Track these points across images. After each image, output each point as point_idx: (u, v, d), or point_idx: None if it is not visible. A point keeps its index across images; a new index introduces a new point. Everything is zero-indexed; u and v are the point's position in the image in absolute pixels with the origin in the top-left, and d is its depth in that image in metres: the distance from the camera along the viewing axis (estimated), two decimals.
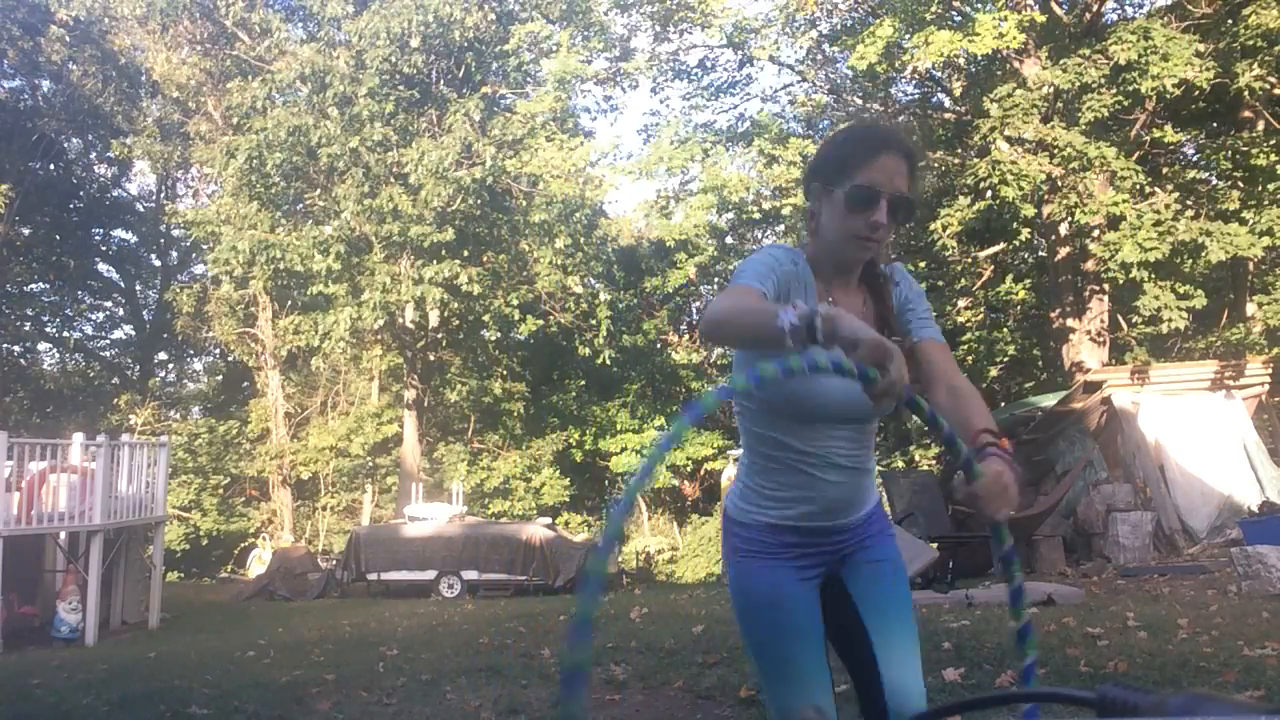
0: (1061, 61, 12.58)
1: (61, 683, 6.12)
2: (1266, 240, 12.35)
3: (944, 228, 14.19)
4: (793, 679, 2.00)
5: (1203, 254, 12.35)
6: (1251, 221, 12.56)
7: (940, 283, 16.48)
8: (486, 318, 18.67)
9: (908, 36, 12.77)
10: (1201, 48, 12.17)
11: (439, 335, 19.83)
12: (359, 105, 16.16)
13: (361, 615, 10.41)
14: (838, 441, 1.94)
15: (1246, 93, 12.60)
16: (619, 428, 22.50)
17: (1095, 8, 14.40)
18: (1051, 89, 12.68)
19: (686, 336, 25.52)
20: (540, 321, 19.33)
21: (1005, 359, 17.81)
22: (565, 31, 17.80)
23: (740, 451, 2.16)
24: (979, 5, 13.60)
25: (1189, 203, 13.43)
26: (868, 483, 2.07)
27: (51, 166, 23.61)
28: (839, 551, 2.05)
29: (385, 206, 15.81)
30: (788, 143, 15.79)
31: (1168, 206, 12.39)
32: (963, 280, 17.09)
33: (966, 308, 17.78)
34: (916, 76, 16.00)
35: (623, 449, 22.13)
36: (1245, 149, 13.22)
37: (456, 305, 17.75)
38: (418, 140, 16.47)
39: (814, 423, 1.92)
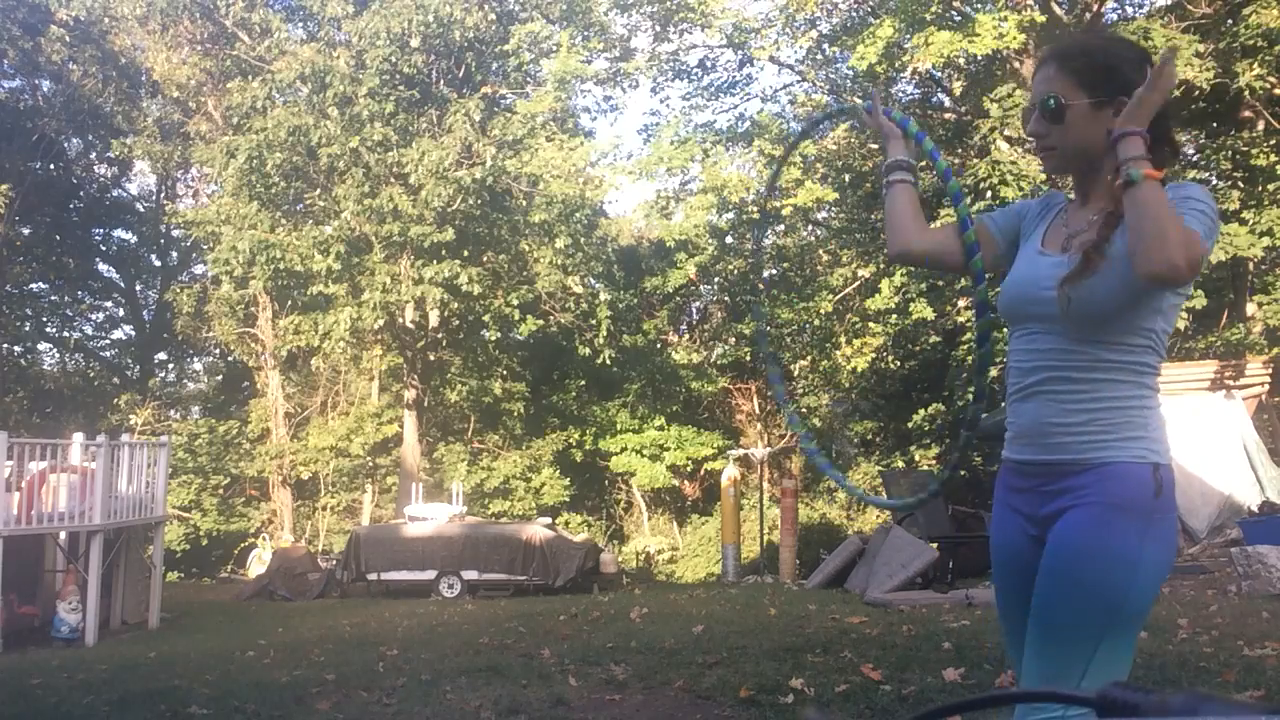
0: None
1: (61, 683, 6.11)
2: (1266, 240, 12.35)
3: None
4: (1005, 634, 1.99)
5: None
6: (1251, 221, 12.56)
7: (940, 283, 16.47)
8: (486, 318, 18.67)
9: (908, 37, 12.77)
10: (1201, 48, 12.17)
11: (439, 335, 19.83)
12: (359, 105, 16.16)
13: (361, 615, 10.40)
14: (1027, 346, 1.89)
15: (1246, 93, 12.61)
16: (619, 428, 22.51)
17: (1095, 8, 14.40)
18: None
19: (686, 336, 25.54)
20: (540, 321, 19.33)
21: (1005, 359, 17.79)
22: (565, 31, 17.79)
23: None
24: (979, 5, 13.60)
25: None
26: (1089, 413, 1.78)
27: (51, 166, 23.59)
28: (1040, 506, 1.84)
29: (385, 206, 15.81)
30: (788, 143, 15.78)
31: None
32: (963, 280, 17.08)
33: (966, 308, 17.77)
34: (916, 76, 16.00)
35: (623, 449, 22.14)
36: (1245, 149, 13.22)
37: (456, 305, 17.75)
38: (418, 140, 16.47)
39: (1015, 322, 1.93)
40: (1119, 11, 15.96)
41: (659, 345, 23.59)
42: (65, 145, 23.99)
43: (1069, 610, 1.74)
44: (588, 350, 19.25)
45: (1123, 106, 1.77)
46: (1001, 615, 2.00)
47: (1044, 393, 1.83)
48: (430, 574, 14.19)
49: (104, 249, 26.21)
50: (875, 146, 17.07)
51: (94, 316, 27.73)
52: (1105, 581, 1.70)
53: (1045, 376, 1.84)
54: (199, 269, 25.50)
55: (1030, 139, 1.93)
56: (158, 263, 27.42)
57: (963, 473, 20.72)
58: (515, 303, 18.22)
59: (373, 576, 14.31)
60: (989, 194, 13.41)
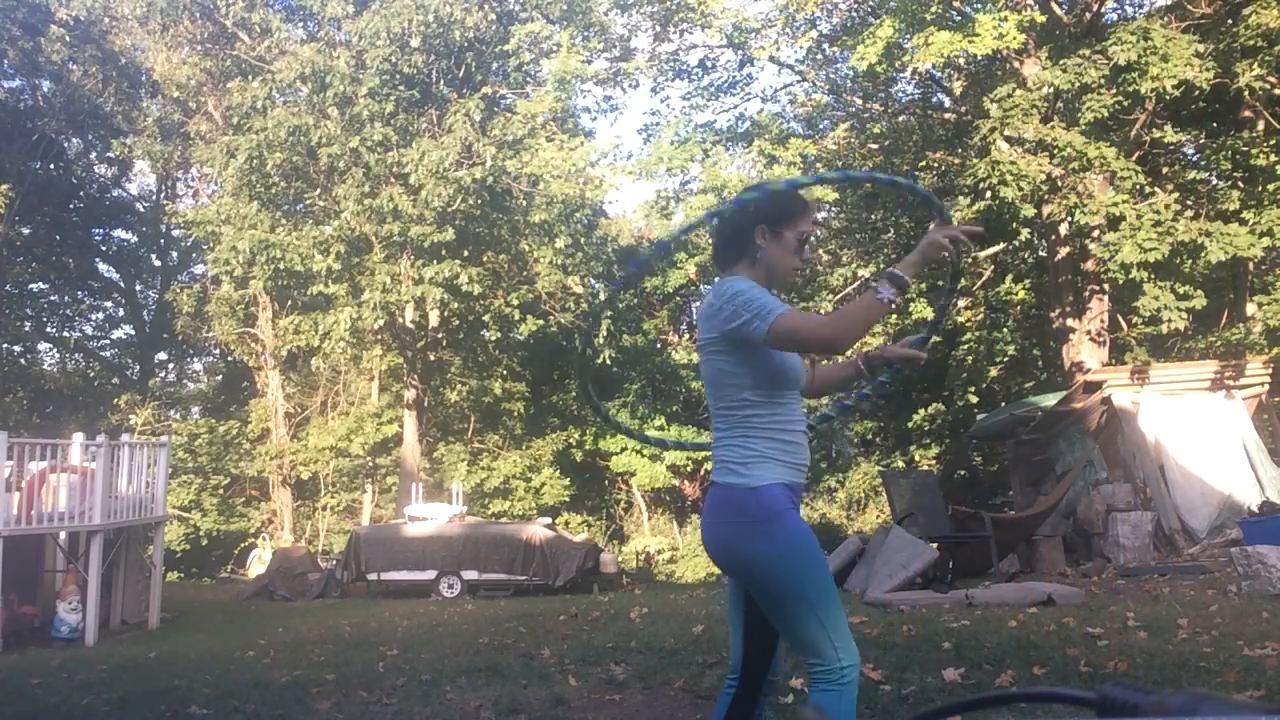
0: (1061, 62, 12.57)
1: (61, 683, 6.12)
2: (1266, 240, 12.34)
3: None
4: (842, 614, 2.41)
5: (1202, 254, 12.35)
6: (1251, 221, 12.55)
7: (940, 283, 16.47)
8: (486, 318, 18.67)
9: (908, 37, 12.76)
10: (1201, 48, 12.16)
11: (439, 335, 19.83)
12: (359, 105, 16.16)
13: (361, 615, 10.40)
14: (798, 409, 2.51)
15: (1246, 93, 12.60)
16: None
17: (1095, 8, 14.39)
18: (1051, 89, 12.68)
19: (686, 336, 25.53)
20: (540, 321, 19.33)
21: (1005, 359, 17.82)
22: (565, 31, 17.79)
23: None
24: (979, 5, 13.59)
25: (1189, 203, 13.43)
26: None
27: (51, 166, 23.61)
28: None
29: (385, 206, 15.81)
30: (788, 143, 15.78)
31: (1167, 207, 12.39)
32: (963, 280, 17.10)
33: (966, 308, 17.79)
34: (916, 76, 15.99)
35: (623, 449, 22.14)
36: (1245, 149, 13.21)
37: (456, 305, 17.75)
38: (418, 140, 16.47)
39: (790, 389, 2.46)
40: (1119, 11, 15.96)
41: (659, 345, 23.60)
42: (65, 145, 24.01)
43: None
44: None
45: None
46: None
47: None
48: (430, 574, 14.19)
49: (104, 249, 26.22)
50: (875, 146, 17.07)
51: (94, 316, 27.79)
52: None
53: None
54: (199, 269, 25.53)
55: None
56: (158, 263, 27.44)
57: (962, 473, 20.77)
58: (515, 303, 18.22)
59: (373, 576, 14.31)
60: (989, 194, 13.41)
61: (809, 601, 2.32)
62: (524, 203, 17.65)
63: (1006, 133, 12.74)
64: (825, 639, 2.31)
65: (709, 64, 18.69)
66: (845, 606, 6.82)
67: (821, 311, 17.45)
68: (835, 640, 2.31)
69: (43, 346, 26.86)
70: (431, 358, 19.85)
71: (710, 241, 2.65)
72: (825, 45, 16.96)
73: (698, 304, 26.03)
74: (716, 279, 2.51)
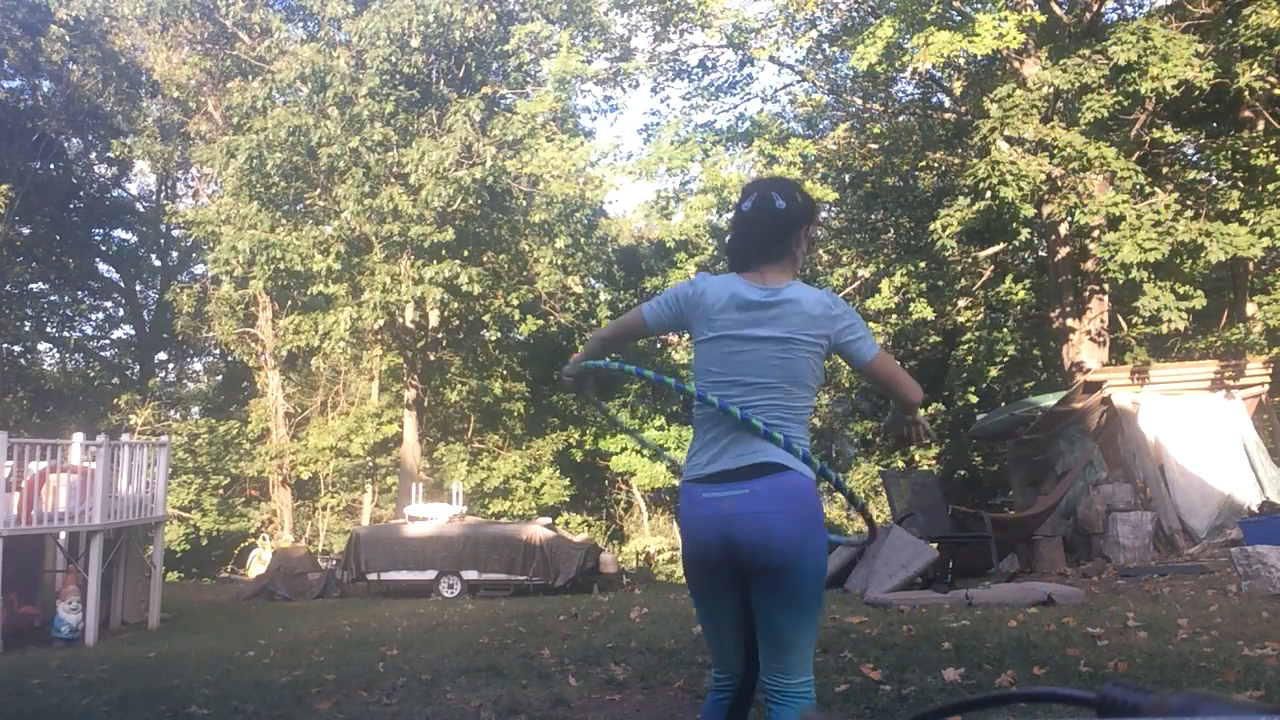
0: (1061, 62, 12.57)
1: (61, 683, 6.12)
2: (1266, 240, 12.34)
3: (944, 228, 14.18)
4: None
5: (1202, 254, 12.35)
6: (1251, 221, 12.55)
7: (940, 283, 16.47)
8: (486, 318, 18.67)
9: (908, 37, 12.76)
10: (1201, 48, 12.15)
11: (439, 335, 19.84)
12: (359, 105, 16.16)
13: (361, 615, 10.40)
14: None
15: (1246, 93, 12.59)
16: (619, 427, 22.48)
17: (1095, 8, 14.39)
18: (1051, 89, 12.68)
19: (687, 336, 25.53)
20: (540, 321, 19.33)
21: (1005, 359, 17.82)
22: (565, 31, 17.80)
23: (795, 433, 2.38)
24: (979, 5, 13.59)
25: (1189, 203, 13.42)
26: None
27: (51, 166, 23.60)
28: None
29: (385, 206, 15.82)
30: (788, 143, 15.78)
31: (1167, 207, 12.38)
32: (963, 280, 17.11)
33: (966, 308, 17.79)
34: (916, 76, 15.99)
35: (623, 449, 22.14)
36: (1245, 149, 13.21)
37: (456, 305, 17.75)
38: (418, 140, 16.47)
39: None
40: (1119, 11, 15.96)
41: (659, 345, 23.58)
42: (65, 145, 24.00)
43: None
44: None
45: None
46: None
47: None
48: (430, 574, 14.19)
49: (104, 249, 26.22)
50: (875, 146, 17.08)
51: (94, 316, 27.78)
52: None
53: None
54: (199, 269, 25.53)
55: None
56: (158, 263, 27.44)
57: (962, 473, 20.77)
58: (515, 303, 18.22)
59: (373, 576, 14.31)
60: (989, 194, 13.41)
61: (819, 606, 2.36)
62: (524, 203, 17.65)
63: (1006, 133, 12.73)
64: (811, 650, 2.33)
65: (709, 64, 18.71)
66: (845, 606, 6.83)
67: None
68: (812, 653, 2.36)
69: (43, 346, 26.89)
70: (431, 358, 19.85)
71: (733, 237, 2.60)
72: (825, 45, 16.96)
73: None
74: (798, 282, 2.47)
